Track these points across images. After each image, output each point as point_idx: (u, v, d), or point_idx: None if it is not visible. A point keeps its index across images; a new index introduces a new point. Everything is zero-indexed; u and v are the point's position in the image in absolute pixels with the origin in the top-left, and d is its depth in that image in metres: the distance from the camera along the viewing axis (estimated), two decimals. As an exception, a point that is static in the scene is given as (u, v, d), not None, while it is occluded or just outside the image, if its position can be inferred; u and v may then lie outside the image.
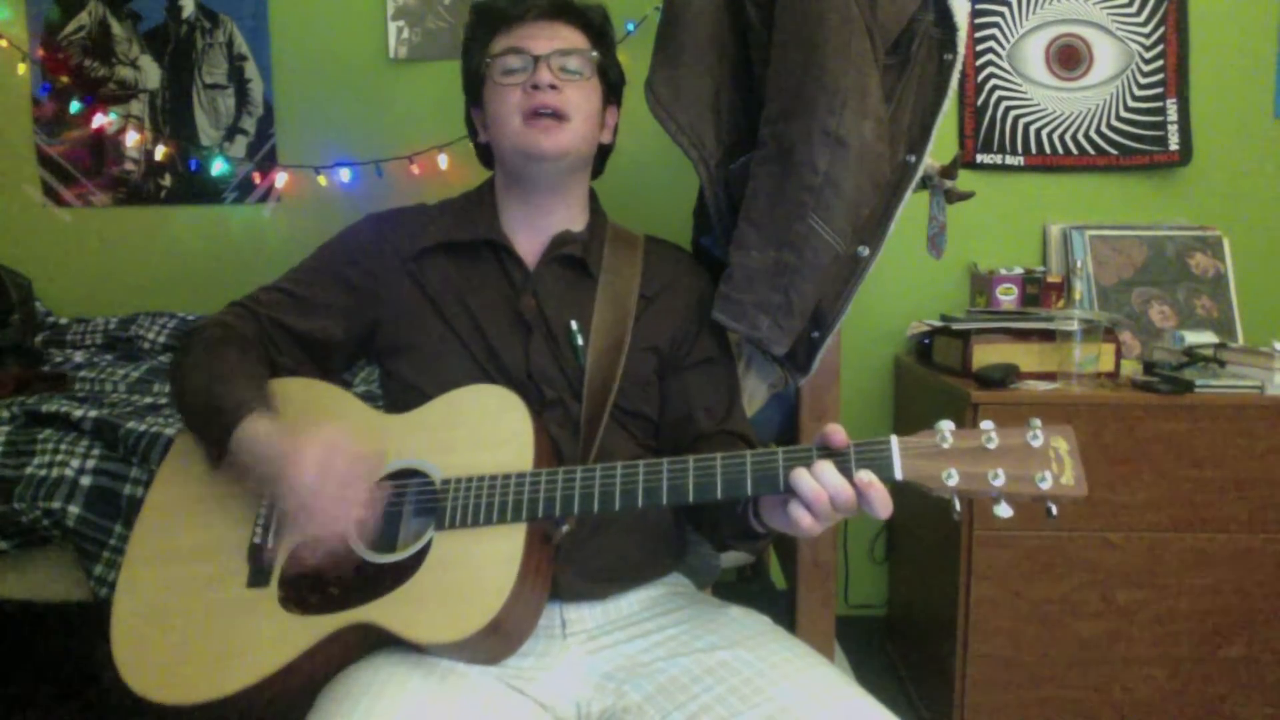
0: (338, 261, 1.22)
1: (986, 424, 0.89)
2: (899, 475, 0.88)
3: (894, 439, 0.89)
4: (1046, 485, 0.85)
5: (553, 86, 1.14)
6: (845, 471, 0.88)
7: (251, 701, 0.98)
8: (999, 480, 0.86)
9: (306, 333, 1.19)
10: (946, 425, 0.89)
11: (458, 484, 1.02)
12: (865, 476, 0.87)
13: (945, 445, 0.88)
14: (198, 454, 1.13)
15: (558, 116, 1.14)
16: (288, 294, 1.20)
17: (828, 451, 0.90)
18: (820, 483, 0.88)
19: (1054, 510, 0.87)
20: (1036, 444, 0.87)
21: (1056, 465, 0.86)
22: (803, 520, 0.88)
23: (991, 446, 0.87)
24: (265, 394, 1.09)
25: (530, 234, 1.21)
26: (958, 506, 0.89)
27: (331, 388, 1.17)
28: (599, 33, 1.23)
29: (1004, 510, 0.87)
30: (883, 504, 0.87)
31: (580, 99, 1.17)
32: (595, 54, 1.20)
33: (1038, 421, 0.88)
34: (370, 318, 1.20)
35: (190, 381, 1.11)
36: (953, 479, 0.86)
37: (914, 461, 0.88)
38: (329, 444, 0.99)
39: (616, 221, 1.30)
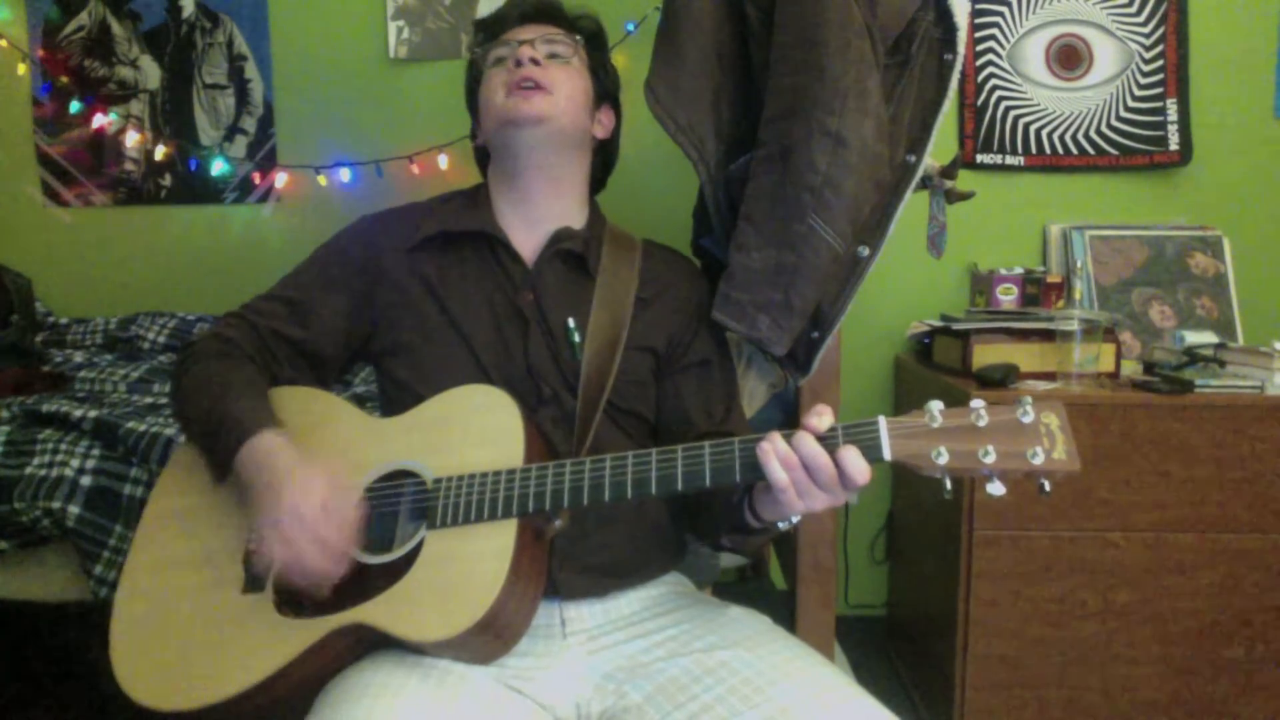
0: (333, 264, 1.22)
1: (976, 402, 0.88)
2: (888, 455, 0.88)
3: (882, 419, 0.89)
4: (1038, 461, 0.85)
5: (534, 62, 1.18)
6: (830, 450, 0.88)
7: (248, 706, 0.98)
8: (989, 457, 0.85)
9: (305, 340, 1.19)
10: (936, 405, 0.88)
11: (449, 483, 1.02)
12: (847, 452, 0.87)
13: (934, 425, 0.88)
14: (197, 464, 1.12)
15: (539, 88, 1.17)
16: (284, 301, 1.20)
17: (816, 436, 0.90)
18: (793, 446, 0.88)
19: (1047, 487, 0.86)
20: (1027, 420, 0.86)
21: (1048, 440, 0.85)
22: (780, 479, 0.88)
23: (981, 424, 0.86)
24: (268, 411, 1.08)
25: (526, 229, 1.22)
26: (948, 485, 0.88)
27: (326, 395, 1.17)
28: (589, 35, 1.28)
29: (996, 488, 0.86)
30: (859, 470, 0.87)
31: (564, 77, 1.20)
32: (580, 39, 1.25)
33: (1028, 399, 0.87)
34: (367, 318, 1.20)
35: (192, 401, 1.11)
36: (942, 457, 0.86)
37: (903, 441, 0.88)
38: (312, 486, 0.98)
39: (616, 224, 1.30)
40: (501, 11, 1.27)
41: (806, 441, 0.88)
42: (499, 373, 1.13)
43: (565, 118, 1.19)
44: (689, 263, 1.33)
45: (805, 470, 0.88)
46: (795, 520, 0.94)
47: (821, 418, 0.90)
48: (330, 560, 0.97)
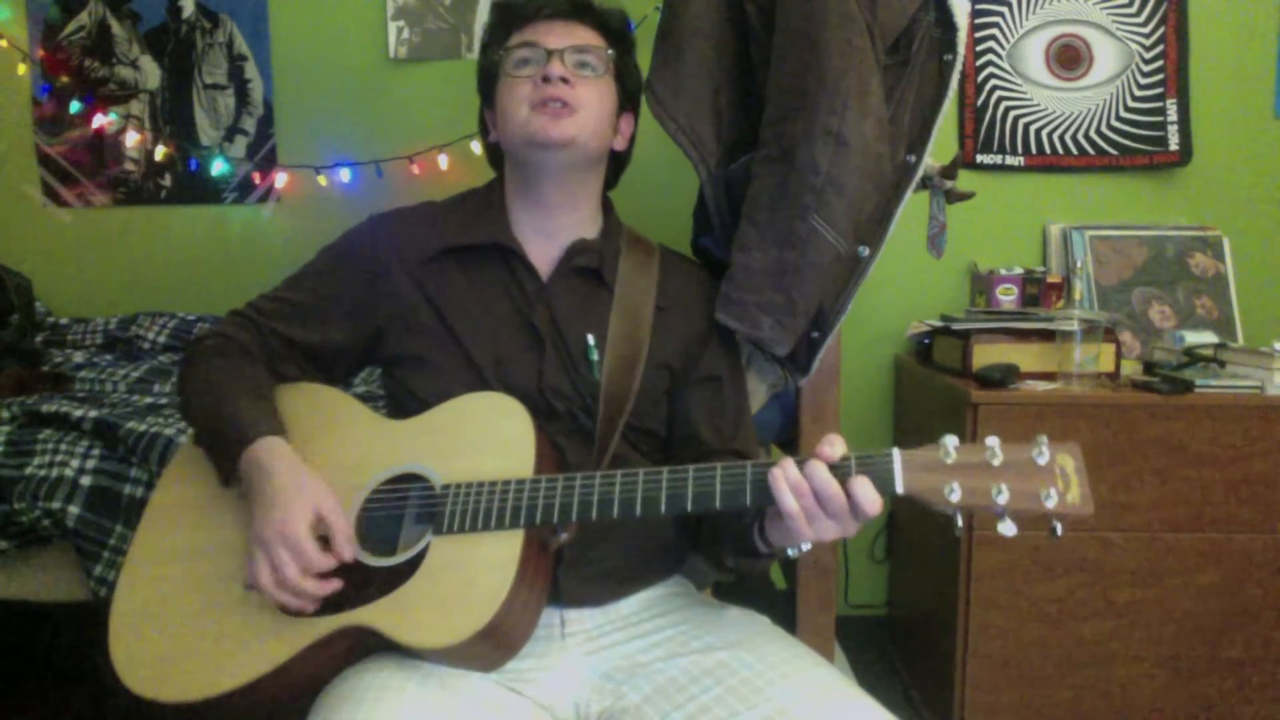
0: (340, 267, 1.19)
1: (991, 439, 0.87)
2: (900, 489, 0.87)
3: (896, 451, 0.88)
4: (1052, 503, 0.83)
5: (564, 80, 1.12)
6: (842, 479, 0.87)
7: (246, 702, 0.98)
8: (1003, 497, 0.84)
9: (308, 342, 1.17)
10: (951, 440, 0.87)
11: (458, 489, 1.01)
12: (858, 482, 0.86)
13: (949, 460, 0.86)
14: (202, 458, 1.12)
15: (567, 106, 1.12)
16: (288, 303, 1.18)
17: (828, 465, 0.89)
18: (805, 473, 0.87)
19: (1059, 530, 0.85)
20: (1042, 461, 0.85)
21: (1062, 483, 0.84)
22: (790, 506, 0.87)
23: (996, 462, 0.85)
24: (271, 413, 1.08)
25: (542, 240, 1.19)
26: (960, 522, 0.87)
27: (334, 393, 1.16)
28: (618, 36, 1.22)
29: (1008, 528, 0.85)
30: (870, 501, 0.86)
31: (592, 96, 1.15)
32: (611, 52, 1.19)
33: (1044, 438, 0.85)
34: (374, 325, 1.17)
35: (196, 403, 1.11)
36: (955, 494, 0.85)
37: (916, 475, 0.87)
38: (302, 505, 0.99)
39: (632, 227, 1.27)
40: (527, 3, 1.19)
41: (818, 470, 0.87)
42: (508, 390, 1.10)
43: (593, 139, 1.16)
44: (705, 272, 1.29)
45: (816, 498, 0.87)
46: (806, 548, 0.93)
47: (834, 446, 0.89)
48: (296, 599, 0.97)
